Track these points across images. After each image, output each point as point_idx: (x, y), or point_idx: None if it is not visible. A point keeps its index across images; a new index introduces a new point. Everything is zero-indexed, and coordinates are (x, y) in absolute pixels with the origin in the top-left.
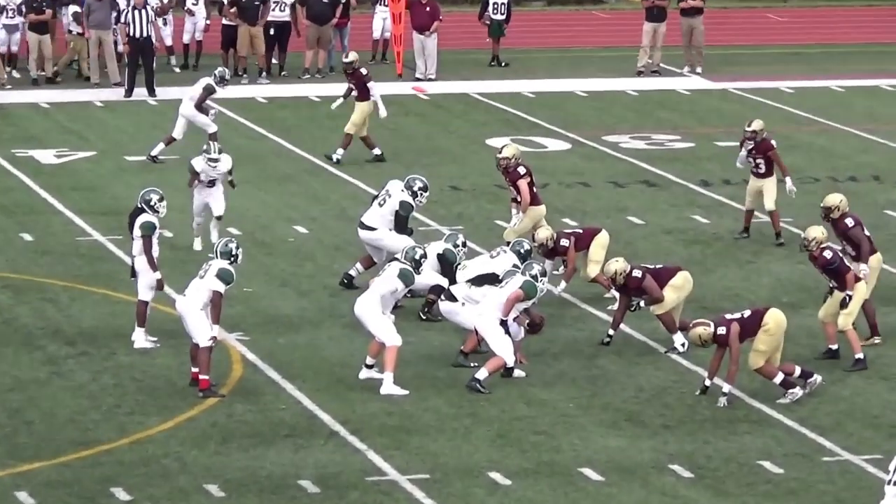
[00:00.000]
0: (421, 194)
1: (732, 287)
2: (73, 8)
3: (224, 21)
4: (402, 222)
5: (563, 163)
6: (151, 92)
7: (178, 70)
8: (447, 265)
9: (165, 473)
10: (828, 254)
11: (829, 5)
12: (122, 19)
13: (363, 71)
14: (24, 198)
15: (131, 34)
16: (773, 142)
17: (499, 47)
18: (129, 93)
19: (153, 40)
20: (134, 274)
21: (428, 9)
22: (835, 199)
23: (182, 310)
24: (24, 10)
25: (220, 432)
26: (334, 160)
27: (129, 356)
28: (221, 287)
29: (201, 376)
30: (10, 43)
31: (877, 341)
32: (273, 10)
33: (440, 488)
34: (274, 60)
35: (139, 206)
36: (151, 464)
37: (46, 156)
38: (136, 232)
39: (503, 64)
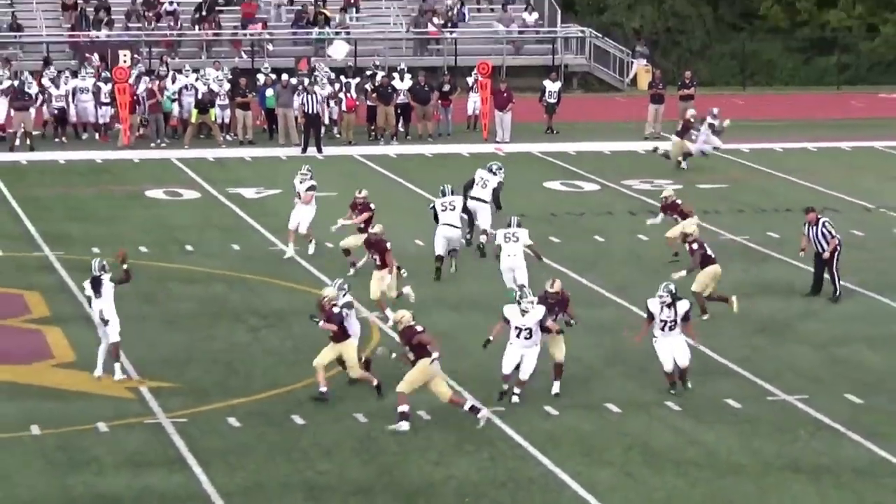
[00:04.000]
0: (499, 172)
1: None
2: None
3: (368, 102)
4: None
5: (594, 199)
6: (319, 150)
7: (338, 136)
8: None
9: (328, 406)
10: (695, 245)
11: (775, 93)
12: (301, 100)
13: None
14: (234, 221)
15: (306, 111)
16: (678, 201)
17: (552, 120)
18: (304, 150)
19: (321, 115)
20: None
21: (505, 94)
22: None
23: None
24: (231, 94)
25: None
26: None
27: (301, 327)
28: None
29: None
30: (224, 117)
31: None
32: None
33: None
34: (400, 129)
35: None
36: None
37: (249, 192)
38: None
39: (555, 132)
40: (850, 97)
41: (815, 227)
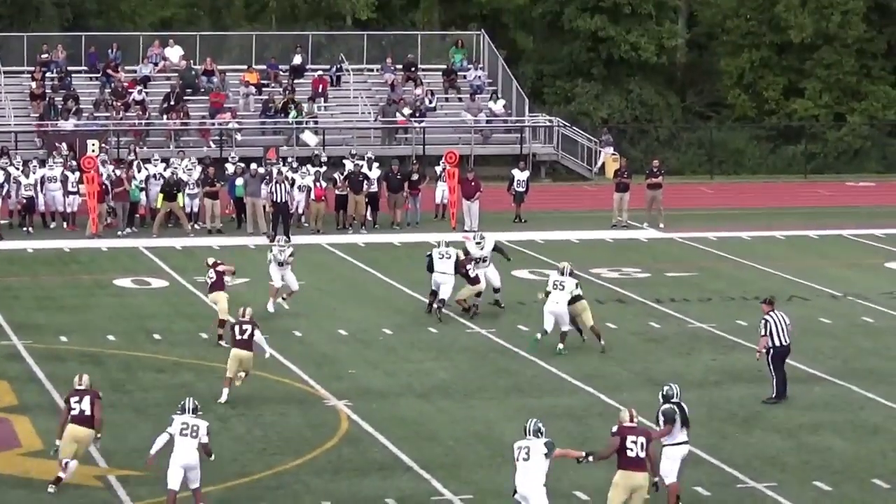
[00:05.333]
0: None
1: (678, 371)
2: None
3: (336, 191)
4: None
5: None
6: (287, 238)
7: (306, 225)
8: None
9: (296, 495)
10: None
11: (743, 181)
12: (269, 189)
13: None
14: (202, 310)
15: (275, 199)
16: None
17: (520, 209)
18: (272, 238)
19: (289, 203)
20: None
21: (473, 183)
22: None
23: None
24: (201, 184)
25: (333, 466)
26: None
27: (272, 416)
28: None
29: None
30: (192, 206)
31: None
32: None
33: None
34: (368, 218)
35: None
36: (286, 487)
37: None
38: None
39: (523, 221)
40: (817, 186)
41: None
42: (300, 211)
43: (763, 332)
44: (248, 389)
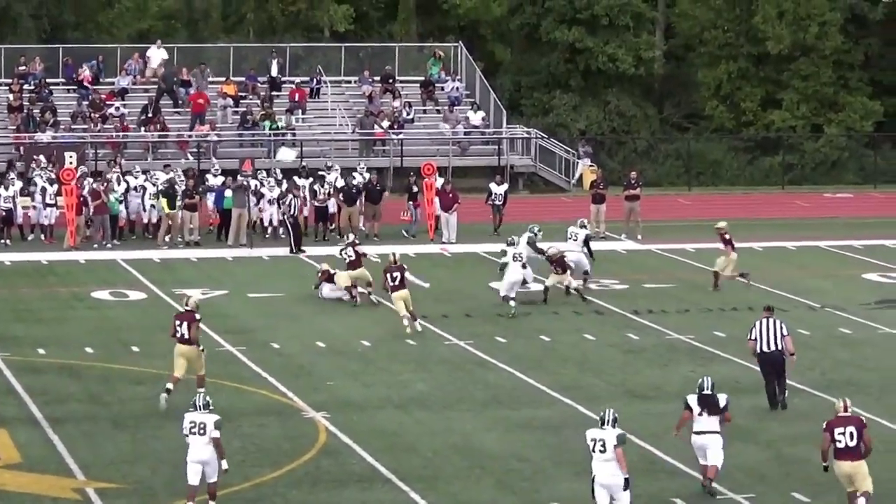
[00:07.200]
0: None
1: (655, 383)
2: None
3: (316, 203)
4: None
5: (540, 298)
6: (299, 250)
7: (283, 237)
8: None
9: None
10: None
11: (721, 193)
12: (286, 202)
13: None
14: None
15: (293, 214)
16: None
17: (498, 220)
18: (293, 250)
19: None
20: None
21: (451, 195)
22: None
23: None
24: (181, 196)
25: (311, 478)
26: None
27: (250, 428)
28: None
29: None
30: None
31: None
32: None
33: None
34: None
35: None
36: (265, 500)
37: (195, 293)
38: None
39: (501, 234)
40: (794, 197)
41: None
42: (275, 224)
43: (749, 336)
44: (226, 401)
